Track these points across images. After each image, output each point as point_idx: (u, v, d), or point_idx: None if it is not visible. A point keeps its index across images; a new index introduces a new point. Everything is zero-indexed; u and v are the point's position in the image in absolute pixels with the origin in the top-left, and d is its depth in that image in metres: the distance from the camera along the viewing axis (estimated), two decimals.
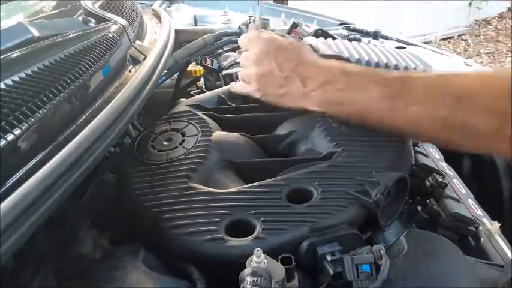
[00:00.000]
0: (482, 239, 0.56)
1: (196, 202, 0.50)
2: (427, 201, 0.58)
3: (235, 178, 0.57)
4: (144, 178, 0.55)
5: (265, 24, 1.42)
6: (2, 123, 0.40)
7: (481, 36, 4.75)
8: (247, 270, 0.38)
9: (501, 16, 5.13)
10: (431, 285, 0.40)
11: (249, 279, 0.37)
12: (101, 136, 0.49)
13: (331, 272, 0.42)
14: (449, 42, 4.69)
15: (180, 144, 0.60)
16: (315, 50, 0.92)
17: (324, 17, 1.57)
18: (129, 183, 0.54)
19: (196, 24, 1.35)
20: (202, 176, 0.55)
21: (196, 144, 0.59)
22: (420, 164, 0.63)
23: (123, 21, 0.78)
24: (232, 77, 0.88)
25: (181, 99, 0.84)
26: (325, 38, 1.09)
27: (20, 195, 0.36)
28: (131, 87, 0.59)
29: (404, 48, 1.11)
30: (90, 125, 0.48)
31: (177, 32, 1.10)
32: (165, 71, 0.92)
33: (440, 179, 0.59)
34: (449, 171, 0.69)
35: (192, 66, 0.99)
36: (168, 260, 0.47)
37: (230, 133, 0.62)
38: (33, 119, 0.43)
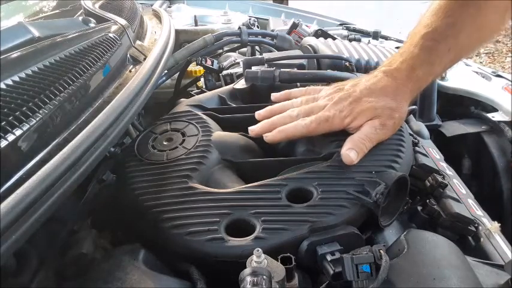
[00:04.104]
0: (482, 239, 0.56)
1: (196, 202, 0.50)
2: (427, 201, 0.58)
3: (235, 178, 0.57)
4: (144, 178, 0.55)
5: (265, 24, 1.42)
6: (3, 123, 0.40)
7: None
8: (247, 270, 0.38)
9: None
10: (431, 285, 0.40)
11: (249, 279, 0.37)
12: (101, 136, 0.48)
13: (331, 272, 0.42)
14: None
15: (181, 144, 0.60)
16: (314, 50, 0.92)
17: (324, 17, 1.57)
18: (129, 183, 0.54)
19: (196, 24, 1.35)
20: (203, 176, 0.55)
21: (197, 144, 0.59)
22: (420, 164, 0.63)
23: (123, 21, 0.78)
24: (233, 77, 0.88)
25: (182, 99, 0.84)
26: (325, 38, 1.09)
27: (20, 195, 0.36)
28: (131, 87, 0.59)
29: None
30: (90, 125, 0.48)
31: (177, 32, 1.10)
32: (165, 71, 0.92)
33: (440, 179, 0.59)
34: (449, 171, 0.69)
35: (192, 67, 0.99)
36: (168, 260, 0.47)
37: (230, 133, 0.62)
38: (33, 119, 0.43)
